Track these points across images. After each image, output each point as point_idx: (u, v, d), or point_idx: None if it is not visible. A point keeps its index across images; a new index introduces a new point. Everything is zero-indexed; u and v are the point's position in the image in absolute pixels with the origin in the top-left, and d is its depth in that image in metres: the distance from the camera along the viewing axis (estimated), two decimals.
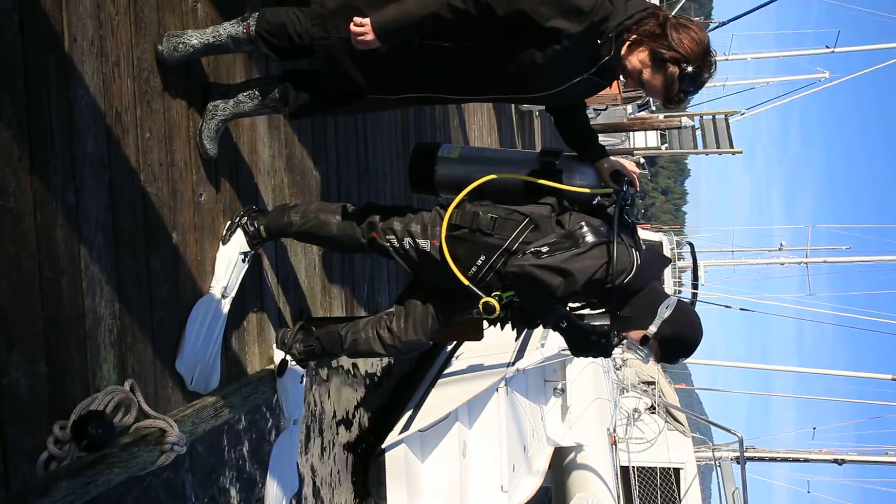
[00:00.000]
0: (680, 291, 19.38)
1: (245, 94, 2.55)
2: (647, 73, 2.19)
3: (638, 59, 2.18)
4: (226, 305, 2.65)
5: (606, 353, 2.54)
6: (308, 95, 2.48)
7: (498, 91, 2.34)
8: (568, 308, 2.56)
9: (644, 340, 2.39)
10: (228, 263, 2.66)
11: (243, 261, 2.70)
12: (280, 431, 3.20)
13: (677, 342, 2.39)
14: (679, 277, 20.83)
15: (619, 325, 2.41)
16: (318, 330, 2.99)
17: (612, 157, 2.59)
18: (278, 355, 3.04)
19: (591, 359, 2.70)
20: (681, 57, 2.12)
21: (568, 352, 6.11)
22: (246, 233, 2.72)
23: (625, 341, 2.53)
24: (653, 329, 2.34)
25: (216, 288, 2.63)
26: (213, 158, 2.62)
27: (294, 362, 3.03)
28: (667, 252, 19.39)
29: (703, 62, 2.15)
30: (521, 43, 2.17)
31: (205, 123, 2.57)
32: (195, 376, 2.51)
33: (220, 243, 2.70)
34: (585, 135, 2.63)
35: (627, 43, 2.18)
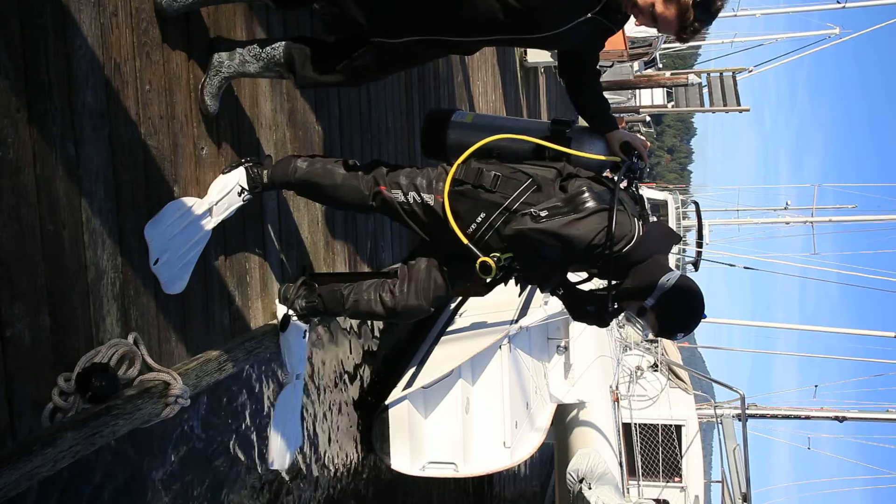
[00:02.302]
0: (684, 251, 19.35)
1: (251, 55, 2.51)
2: (659, 6, 2.16)
3: None
4: (209, 223, 2.57)
5: (603, 323, 2.52)
6: (313, 66, 2.44)
7: (502, 30, 2.29)
8: (568, 279, 2.54)
9: (641, 312, 2.34)
10: (223, 187, 2.61)
11: (239, 194, 2.64)
12: (283, 386, 3.22)
13: (675, 317, 2.33)
14: (684, 237, 20.80)
15: (619, 295, 2.37)
16: (321, 287, 2.98)
17: (622, 130, 2.58)
18: (280, 310, 3.04)
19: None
20: None
21: None
22: (248, 173, 2.68)
23: (624, 312, 2.50)
24: (651, 301, 2.29)
25: (204, 203, 2.56)
26: (214, 115, 2.59)
27: (296, 318, 3.03)
28: (671, 211, 19.32)
29: None
30: None
31: (208, 79, 2.53)
32: (162, 260, 2.38)
33: (220, 173, 2.68)
34: (597, 103, 2.61)
35: None
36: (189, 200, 2.49)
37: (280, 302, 3.08)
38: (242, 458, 3.54)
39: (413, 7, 2.27)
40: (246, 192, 2.67)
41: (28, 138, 1.87)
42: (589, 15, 2.24)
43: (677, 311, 2.33)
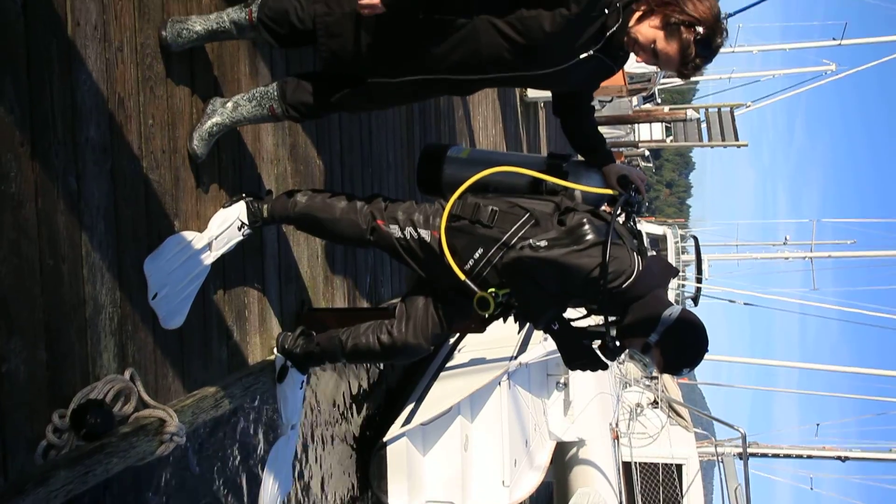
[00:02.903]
0: (683, 286, 19.33)
1: (245, 97, 2.52)
2: (660, 42, 2.18)
3: (650, 26, 2.18)
4: (208, 258, 2.55)
5: (602, 366, 2.44)
6: (307, 93, 2.45)
7: (505, 68, 2.29)
8: (566, 316, 2.50)
9: (645, 348, 2.29)
10: (223, 221, 2.60)
11: (238, 228, 2.63)
12: (278, 437, 3.16)
13: (680, 352, 2.29)
14: (683, 271, 20.80)
15: (620, 333, 2.32)
16: (319, 335, 2.93)
17: (619, 164, 2.58)
18: (279, 361, 3.00)
19: (588, 371, 2.58)
20: (694, 20, 2.12)
21: None
22: (248, 208, 2.67)
23: (627, 350, 2.45)
24: (654, 337, 2.25)
25: (203, 237, 2.54)
26: (200, 160, 2.54)
27: (294, 368, 2.99)
28: (670, 245, 19.33)
29: (715, 26, 2.15)
30: (530, 7, 2.14)
31: (200, 122, 2.52)
32: (160, 294, 2.36)
33: (221, 207, 2.67)
34: (593, 138, 2.61)
35: (638, 14, 2.19)
36: (189, 234, 2.49)
37: (278, 351, 3.02)
38: (235, 498, 3.49)
39: (414, 46, 2.27)
40: (246, 227, 2.66)
41: (31, 172, 1.86)
42: (591, 52, 2.25)
43: (682, 346, 2.30)
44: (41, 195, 1.89)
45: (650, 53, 2.22)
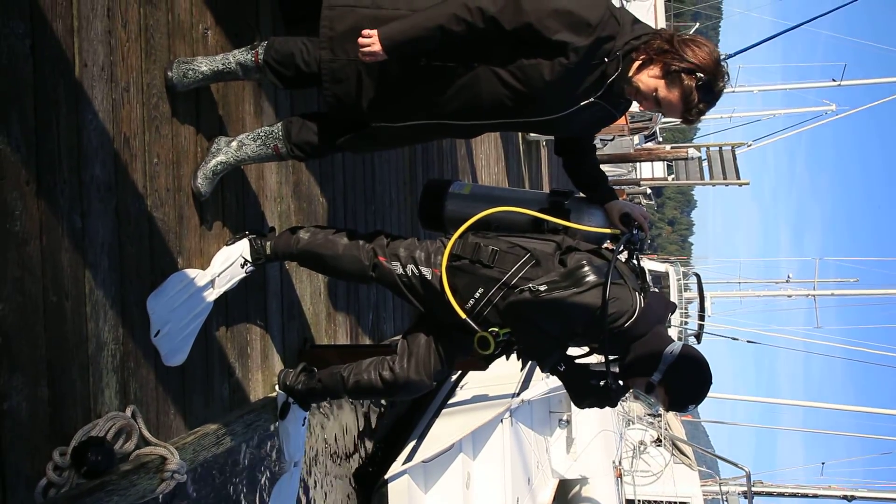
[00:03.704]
0: (686, 323, 19.27)
1: (249, 137, 2.56)
2: (662, 90, 2.18)
3: (650, 75, 2.18)
4: (211, 295, 2.56)
5: (611, 402, 2.41)
6: (312, 133, 2.48)
7: (507, 114, 2.32)
8: (568, 354, 2.47)
9: (649, 388, 2.28)
10: (226, 259, 2.62)
11: (241, 266, 2.65)
12: (281, 474, 3.14)
13: (685, 389, 2.28)
14: (685, 309, 20.75)
15: (623, 372, 2.31)
16: (321, 371, 2.93)
17: (621, 200, 2.58)
18: (281, 397, 2.99)
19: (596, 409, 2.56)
20: (694, 67, 2.13)
21: None
22: (251, 245, 2.70)
23: (631, 389, 2.44)
24: (657, 375, 2.23)
25: (206, 275, 2.56)
26: (203, 198, 2.56)
27: (296, 404, 2.99)
28: (673, 282, 19.30)
29: (716, 71, 2.16)
30: (530, 56, 2.17)
31: (204, 161, 2.55)
32: (163, 332, 2.37)
33: (224, 244, 2.68)
34: (595, 176, 2.61)
35: (638, 63, 2.19)
36: (192, 272, 2.50)
37: (280, 388, 3.02)
38: None
39: (416, 93, 2.31)
40: (249, 264, 2.67)
41: (36, 210, 1.89)
42: (592, 99, 2.27)
43: (686, 382, 2.28)
44: (46, 233, 1.91)
45: (653, 102, 2.22)
